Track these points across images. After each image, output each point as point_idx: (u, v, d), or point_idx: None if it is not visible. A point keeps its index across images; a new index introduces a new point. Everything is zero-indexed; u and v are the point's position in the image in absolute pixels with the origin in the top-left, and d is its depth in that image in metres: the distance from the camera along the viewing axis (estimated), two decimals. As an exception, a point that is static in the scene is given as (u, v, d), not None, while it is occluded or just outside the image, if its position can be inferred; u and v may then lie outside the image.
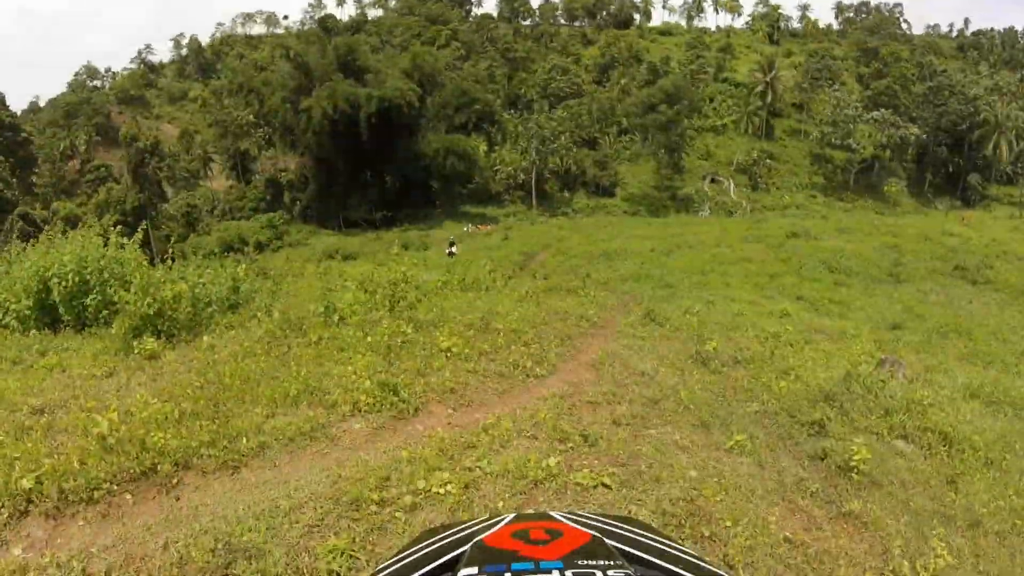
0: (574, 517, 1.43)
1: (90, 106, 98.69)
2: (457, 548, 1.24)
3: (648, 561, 1.21)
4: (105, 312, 10.17)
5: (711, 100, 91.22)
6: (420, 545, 1.37)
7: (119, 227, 11.83)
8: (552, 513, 1.48)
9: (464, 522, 1.49)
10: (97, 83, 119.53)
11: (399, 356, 8.16)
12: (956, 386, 10.82)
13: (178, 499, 4.89)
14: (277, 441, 5.74)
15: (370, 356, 8.00)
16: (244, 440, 5.65)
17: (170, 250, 13.60)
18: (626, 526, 1.43)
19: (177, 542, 4.21)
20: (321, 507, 4.64)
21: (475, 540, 1.25)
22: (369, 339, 8.70)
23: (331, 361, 7.93)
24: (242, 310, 11.50)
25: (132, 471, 5.02)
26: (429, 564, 1.21)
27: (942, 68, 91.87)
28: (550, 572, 1.05)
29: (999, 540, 5.69)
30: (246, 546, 4.16)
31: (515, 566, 1.07)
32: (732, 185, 75.70)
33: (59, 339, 9.81)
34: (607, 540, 1.21)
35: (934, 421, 7.64)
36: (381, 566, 1.28)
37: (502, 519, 1.42)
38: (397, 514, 4.62)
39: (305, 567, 4.06)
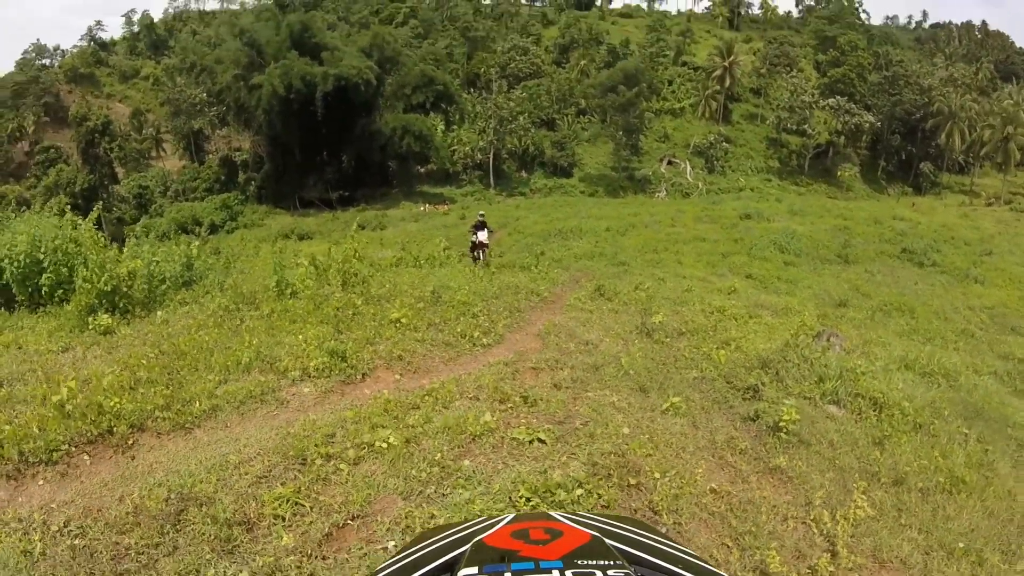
0: (574, 517, 1.43)
1: (39, 85, 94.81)
2: (457, 548, 1.25)
3: (648, 561, 1.21)
4: (60, 291, 10.19)
5: (670, 83, 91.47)
6: (420, 545, 1.38)
7: (71, 210, 11.78)
8: (552, 513, 1.49)
9: (464, 522, 1.50)
10: (46, 61, 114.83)
11: (349, 326, 8.39)
12: (892, 357, 11.25)
13: (133, 458, 5.11)
14: (229, 404, 5.99)
15: (321, 327, 8.21)
16: (197, 403, 5.89)
17: (125, 230, 13.57)
18: (626, 526, 1.45)
19: (132, 494, 4.46)
20: (269, 460, 4.91)
21: (475, 540, 1.25)
22: (320, 311, 8.89)
23: (283, 332, 8.13)
24: (195, 287, 11.56)
25: (89, 434, 5.24)
26: (429, 564, 1.21)
27: (898, 58, 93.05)
28: (550, 572, 1.05)
29: (922, 496, 6.00)
30: (197, 495, 4.43)
31: (515, 566, 1.08)
32: (689, 167, 76.24)
33: (14, 318, 9.85)
34: (607, 540, 1.22)
35: (866, 388, 7.98)
36: (381, 566, 1.28)
37: (502, 519, 1.42)
38: (341, 466, 4.90)
39: (252, 512, 4.33)
